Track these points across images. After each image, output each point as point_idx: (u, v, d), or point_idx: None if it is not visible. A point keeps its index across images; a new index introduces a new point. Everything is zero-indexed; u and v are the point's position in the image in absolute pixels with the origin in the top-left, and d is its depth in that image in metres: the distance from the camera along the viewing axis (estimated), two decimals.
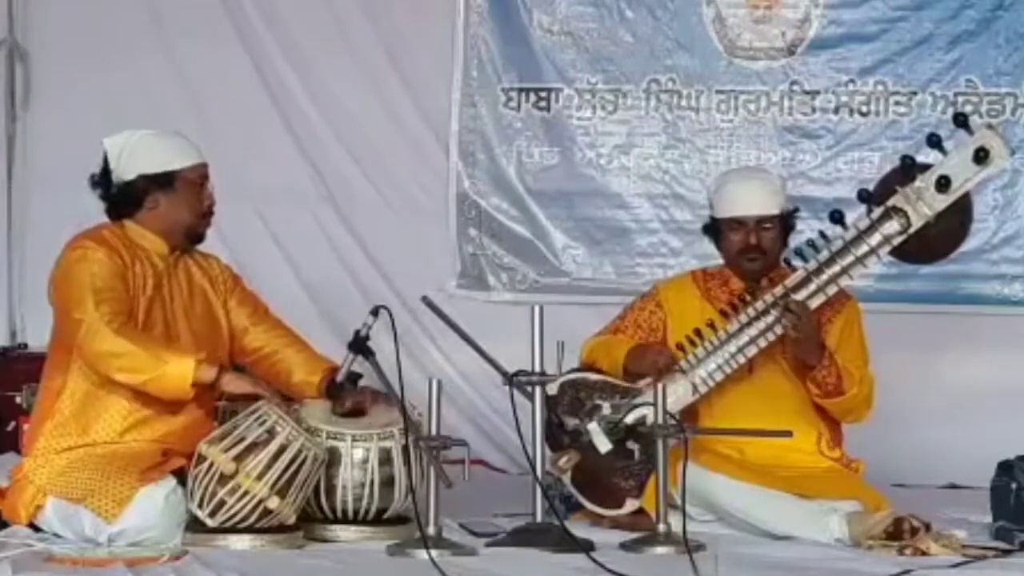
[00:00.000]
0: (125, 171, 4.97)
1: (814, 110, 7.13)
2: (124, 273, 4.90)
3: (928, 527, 4.80)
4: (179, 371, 4.76)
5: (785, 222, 5.41)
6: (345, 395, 5.03)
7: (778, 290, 5.21)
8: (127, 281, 4.90)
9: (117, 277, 4.88)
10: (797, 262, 5.25)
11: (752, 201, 5.37)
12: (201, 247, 5.23)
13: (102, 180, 5.01)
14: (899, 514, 4.86)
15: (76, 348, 4.85)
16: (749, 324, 5.23)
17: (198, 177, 5.04)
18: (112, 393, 4.87)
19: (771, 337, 5.23)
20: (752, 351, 5.23)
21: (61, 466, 4.83)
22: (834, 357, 5.23)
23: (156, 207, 4.99)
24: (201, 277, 5.14)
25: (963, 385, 6.79)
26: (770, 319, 5.22)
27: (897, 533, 4.80)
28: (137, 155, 4.98)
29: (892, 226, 5.15)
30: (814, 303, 5.19)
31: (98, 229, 5.01)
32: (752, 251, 5.35)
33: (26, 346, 7.12)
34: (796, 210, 5.50)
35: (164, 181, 4.98)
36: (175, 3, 7.32)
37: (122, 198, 4.99)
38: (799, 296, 5.19)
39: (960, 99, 7.00)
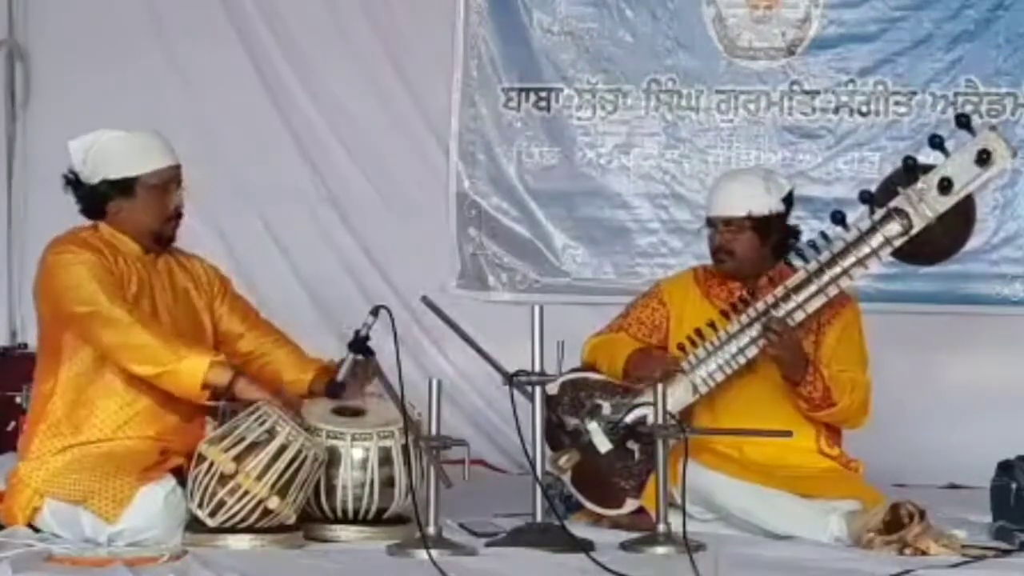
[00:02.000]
0: (90, 175, 4.96)
1: (814, 110, 7.13)
2: (112, 272, 4.90)
3: (923, 513, 4.79)
4: (192, 369, 4.76)
5: (765, 226, 5.34)
6: (348, 387, 5.04)
7: (779, 290, 5.21)
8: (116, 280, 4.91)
9: (110, 273, 4.88)
10: (798, 262, 5.25)
11: (720, 202, 5.37)
12: (198, 247, 5.24)
13: (74, 181, 5.01)
14: (895, 500, 4.86)
15: (72, 347, 4.85)
16: (750, 325, 5.22)
17: (161, 181, 4.98)
18: (102, 391, 4.88)
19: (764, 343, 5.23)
20: (753, 352, 5.23)
21: (58, 468, 4.82)
22: (819, 370, 5.21)
23: (119, 212, 4.98)
24: (184, 277, 5.13)
25: (963, 385, 6.79)
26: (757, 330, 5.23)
27: (895, 520, 4.79)
28: (100, 160, 4.95)
29: (894, 228, 5.14)
30: (814, 304, 5.19)
31: (76, 233, 5.00)
32: (719, 252, 5.37)
33: (26, 346, 7.12)
34: (784, 215, 5.40)
35: (124, 187, 4.95)
36: (175, 3, 7.32)
37: (90, 202, 4.99)
38: (801, 297, 5.18)
39: (960, 99, 7.00)
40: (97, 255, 4.89)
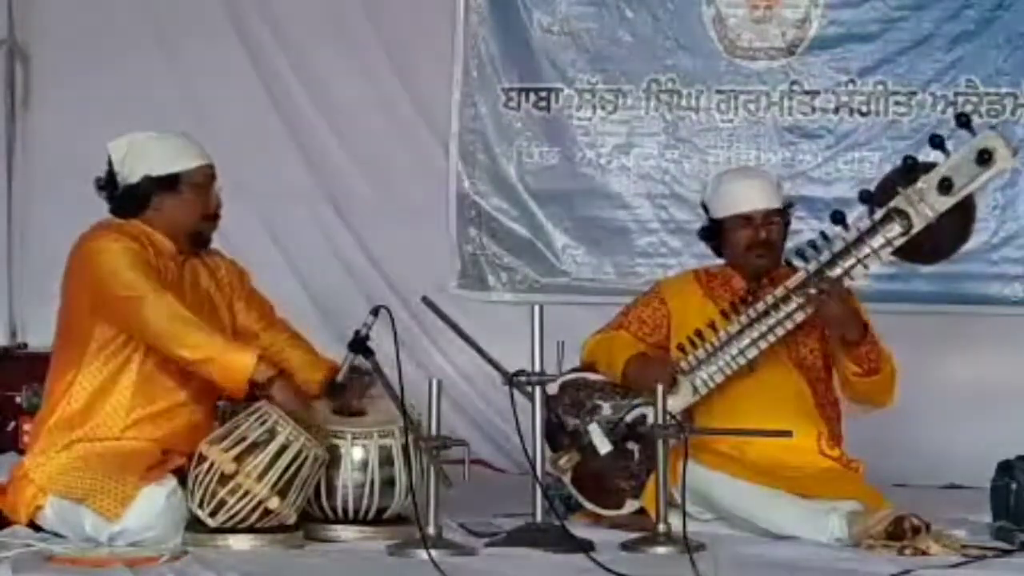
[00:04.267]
0: (130, 173, 4.97)
1: (814, 110, 7.12)
2: (150, 261, 4.90)
3: (928, 527, 4.80)
4: (242, 360, 4.77)
5: (788, 217, 5.42)
6: (347, 391, 5.04)
7: (779, 291, 5.22)
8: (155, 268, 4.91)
9: (148, 263, 4.88)
10: (798, 263, 5.25)
11: (757, 196, 5.38)
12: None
13: (108, 183, 5.01)
14: (899, 513, 4.86)
15: (130, 325, 4.83)
16: (750, 325, 5.23)
17: (203, 178, 5.03)
18: (119, 391, 4.89)
19: (772, 339, 5.23)
20: (753, 352, 5.23)
21: (62, 465, 4.83)
22: (874, 333, 5.21)
23: (161, 209, 4.98)
24: (208, 279, 5.14)
25: (963, 385, 6.78)
26: (771, 321, 5.22)
27: (898, 533, 4.80)
28: (141, 157, 4.97)
29: (894, 228, 5.15)
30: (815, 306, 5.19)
31: (111, 221, 5.00)
32: (761, 246, 5.36)
33: (26, 346, 7.12)
34: (792, 205, 5.51)
35: (169, 183, 4.97)
36: (175, 3, 7.32)
37: (128, 200, 4.99)
38: (802, 298, 5.18)
39: (960, 99, 6.99)
40: (136, 243, 4.89)
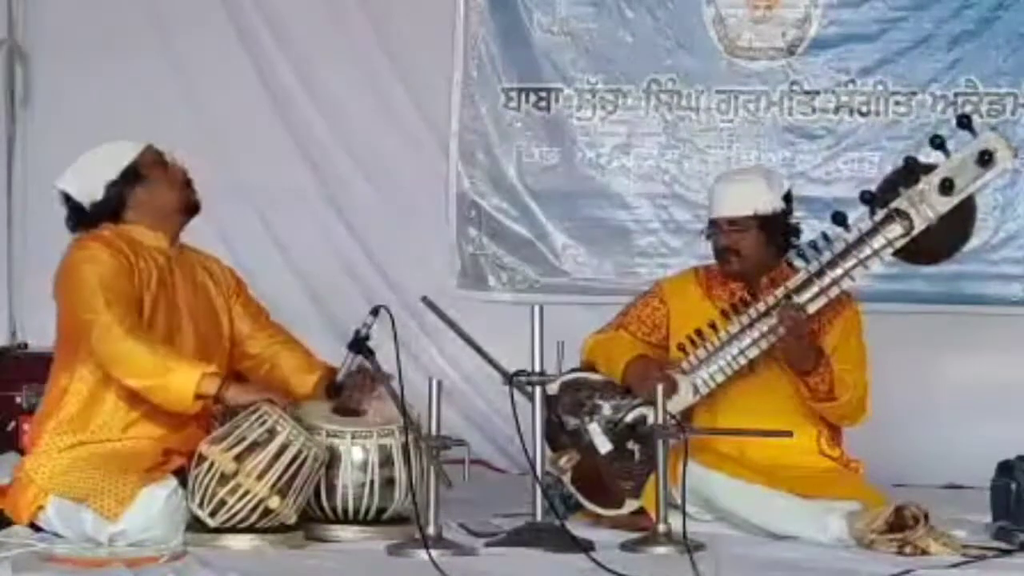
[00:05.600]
0: (92, 192, 4.99)
1: (814, 110, 7.12)
2: (130, 272, 4.91)
3: (927, 516, 4.80)
4: (183, 381, 4.75)
5: (770, 224, 5.37)
6: (347, 392, 5.03)
7: (780, 291, 5.21)
8: (133, 280, 4.91)
9: (124, 277, 4.89)
10: (799, 263, 5.25)
11: (722, 203, 5.38)
12: (201, 248, 5.24)
13: (75, 215, 5.01)
14: (899, 503, 4.86)
15: (87, 348, 4.85)
16: (751, 325, 5.23)
17: (155, 155, 5.05)
18: (114, 392, 4.89)
19: (773, 339, 5.22)
20: (754, 352, 5.23)
21: (63, 465, 4.83)
22: (830, 364, 5.22)
23: (139, 202, 5.00)
24: (203, 273, 5.17)
25: (963, 385, 6.78)
26: (773, 321, 5.22)
27: (900, 523, 4.79)
28: (91, 173, 5.00)
29: (895, 228, 5.15)
30: (816, 306, 5.19)
31: (100, 231, 5.00)
32: (725, 253, 5.37)
33: (26, 346, 7.11)
34: (787, 213, 5.42)
35: (132, 176, 4.99)
36: (175, 3, 7.32)
37: (105, 212, 5.00)
38: (801, 298, 5.18)
39: (960, 99, 6.99)
40: (117, 254, 4.90)
